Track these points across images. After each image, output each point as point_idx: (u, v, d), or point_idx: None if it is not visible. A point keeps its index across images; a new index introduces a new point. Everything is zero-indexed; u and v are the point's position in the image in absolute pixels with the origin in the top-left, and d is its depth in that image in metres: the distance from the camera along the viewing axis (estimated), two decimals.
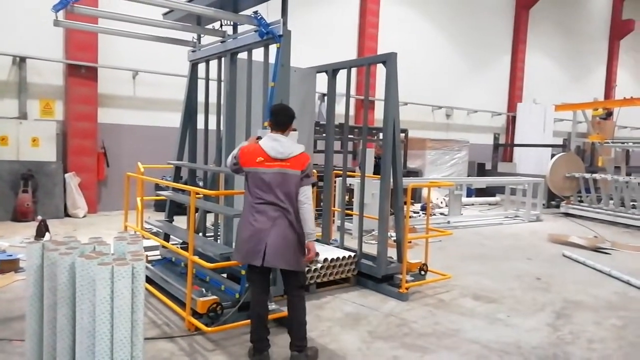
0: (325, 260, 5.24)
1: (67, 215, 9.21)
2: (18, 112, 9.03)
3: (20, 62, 9.00)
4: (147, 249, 5.74)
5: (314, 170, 5.03)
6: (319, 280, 5.19)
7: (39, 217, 7.32)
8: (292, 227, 3.50)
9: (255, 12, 4.48)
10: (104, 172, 9.93)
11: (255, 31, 4.55)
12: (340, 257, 5.32)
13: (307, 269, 5.09)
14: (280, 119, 3.63)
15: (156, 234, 5.74)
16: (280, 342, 3.92)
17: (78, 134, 9.51)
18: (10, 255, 5.64)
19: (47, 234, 6.54)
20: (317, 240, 6.21)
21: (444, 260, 6.80)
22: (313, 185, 3.65)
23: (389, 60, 5.28)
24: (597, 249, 8.03)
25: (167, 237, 5.63)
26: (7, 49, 8.85)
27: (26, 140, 8.90)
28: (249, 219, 3.50)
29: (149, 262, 5.45)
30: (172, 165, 5.93)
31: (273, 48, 4.47)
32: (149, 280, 4.94)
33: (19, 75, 9.02)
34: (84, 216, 9.30)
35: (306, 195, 3.56)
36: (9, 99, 9.00)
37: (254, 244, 3.44)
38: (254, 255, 3.44)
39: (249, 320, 4.07)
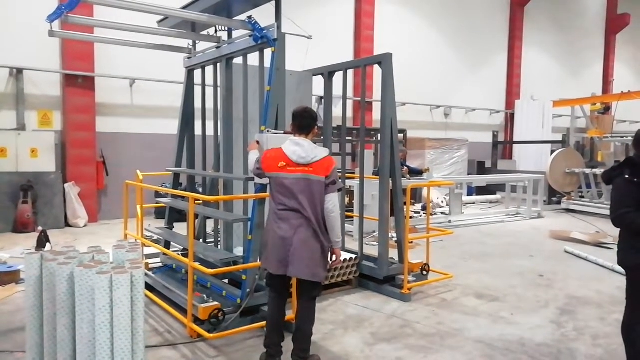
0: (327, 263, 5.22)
1: (67, 225, 9.21)
2: (16, 124, 9.04)
3: (17, 73, 9.01)
4: (148, 256, 5.75)
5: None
6: None
7: (40, 228, 7.32)
8: (316, 236, 3.34)
9: (250, 17, 4.49)
10: (103, 181, 9.93)
11: (249, 36, 4.55)
12: (342, 260, 5.30)
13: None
14: (303, 122, 3.47)
15: (157, 242, 5.73)
16: (284, 347, 3.91)
17: (77, 144, 9.52)
18: (11, 267, 5.63)
19: (47, 244, 6.53)
20: None
21: (445, 260, 6.79)
22: (339, 190, 3.44)
23: (385, 61, 5.28)
24: (599, 244, 8.01)
25: (167, 245, 5.62)
26: (4, 61, 8.87)
27: (25, 152, 8.90)
28: (273, 227, 3.40)
29: (150, 269, 5.44)
30: (170, 172, 5.93)
31: (268, 52, 4.47)
32: (150, 288, 4.93)
33: (16, 87, 9.04)
34: (85, 226, 9.30)
35: (333, 203, 3.36)
36: (7, 111, 9.02)
37: (278, 252, 3.34)
38: (279, 264, 3.36)
39: (252, 326, 4.08)
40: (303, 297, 3.52)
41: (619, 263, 3.36)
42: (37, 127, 9.31)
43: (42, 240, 6.51)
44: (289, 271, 3.33)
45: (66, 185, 9.27)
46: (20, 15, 8.99)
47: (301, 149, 3.37)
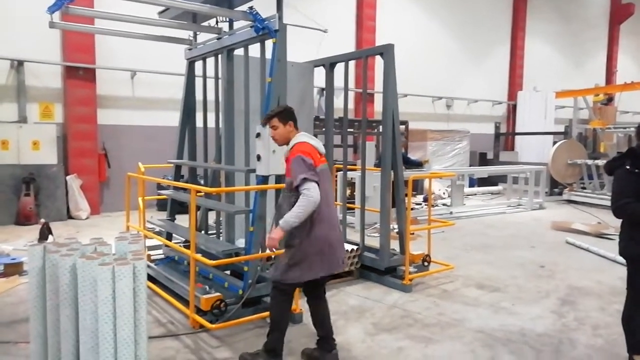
0: None
1: (70, 217, 9.24)
2: (18, 116, 9.04)
3: (18, 65, 9.00)
4: (150, 248, 5.78)
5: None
6: None
7: (42, 220, 7.35)
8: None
9: (251, 8, 4.46)
10: (105, 173, 9.95)
11: (251, 27, 4.52)
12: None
13: None
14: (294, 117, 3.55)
15: (159, 233, 5.75)
16: (286, 337, 3.94)
17: (78, 136, 9.53)
18: (14, 259, 5.66)
19: (50, 236, 6.56)
20: None
21: (447, 251, 6.80)
22: None
23: (387, 52, 5.25)
24: (600, 235, 8.01)
25: (169, 236, 5.64)
26: (5, 53, 8.86)
27: (27, 144, 8.91)
28: (331, 224, 3.33)
29: (152, 261, 5.47)
30: (172, 164, 5.93)
31: (269, 43, 4.45)
32: (152, 279, 4.96)
33: (17, 79, 9.03)
34: (87, 218, 9.33)
35: None
36: (8, 103, 9.01)
37: (337, 249, 3.39)
38: (337, 262, 3.42)
39: (254, 316, 4.10)
40: (322, 291, 3.58)
41: (620, 253, 3.37)
42: (39, 119, 9.31)
43: (45, 233, 6.54)
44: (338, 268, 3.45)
45: (68, 177, 9.30)
46: (20, 7, 8.95)
47: (317, 142, 3.44)
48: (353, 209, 8.03)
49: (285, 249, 3.34)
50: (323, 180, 3.29)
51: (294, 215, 3.12)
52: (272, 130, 3.46)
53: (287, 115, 3.43)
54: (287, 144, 3.43)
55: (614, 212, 3.22)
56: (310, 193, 3.11)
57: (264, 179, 4.26)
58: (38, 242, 2.96)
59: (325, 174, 3.37)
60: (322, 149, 3.44)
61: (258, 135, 4.19)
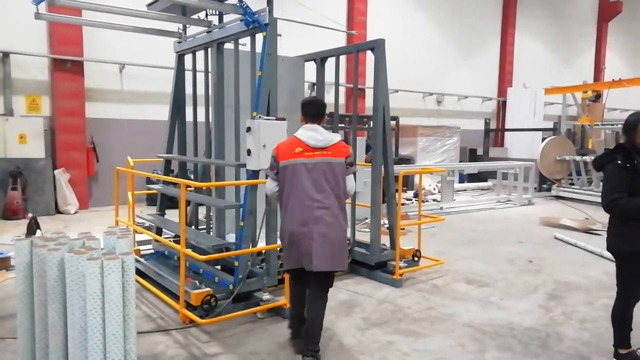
0: None
1: (58, 212, 9.14)
2: (4, 109, 8.90)
3: (3, 57, 8.85)
4: (139, 243, 5.74)
5: None
6: None
7: (30, 215, 7.24)
8: (338, 222, 3.37)
9: (241, 1, 4.42)
10: (94, 167, 9.85)
11: (241, 20, 4.49)
12: None
13: None
14: (313, 109, 3.53)
15: (148, 228, 5.71)
16: (276, 332, 3.94)
17: (66, 130, 9.41)
18: (1, 254, 5.59)
19: (38, 231, 6.48)
20: None
21: (436, 246, 6.84)
22: (354, 172, 3.57)
23: (377, 47, 5.25)
24: (588, 231, 8.11)
25: (159, 231, 5.60)
26: None
27: (13, 137, 8.78)
28: (297, 219, 3.34)
29: (141, 256, 5.43)
30: (162, 159, 5.88)
31: (260, 37, 4.42)
32: (142, 274, 4.92)
33: (2, 71, 8.88)
34: (75, 212, 9.23)
35: (352, 183, 3.50)
36: None
37: (302, 245, 3.32)
38: (303, 259, 3.35)
39: (244, 311, 4.10)
40: (320, 289, 3.51)
41: (608, 249, 3.40)
42: (25, 112, 9.17)
43: (32, 227, 6.46)
44: (314, 266, 3.29)
45: (56, 171, 9.18)
46: None
47: (317, 133, 3.42)
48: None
49: None
50: (292, 175, 3.34)
51: None
52: None
53: (301, 108, 3.60)
54: None
55: (605, 207, 3.21)
56: (266, 185, 3.53)
57: (254, 174, 4.24)
58: (25, 237, 2.92)
59: (296, 168, 3.33)
60: (314, 142, 3.38)
61: (248, 129, 4.16)
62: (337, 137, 3.49)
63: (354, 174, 3.56)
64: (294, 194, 3.34)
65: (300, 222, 3.32)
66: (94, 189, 10.01)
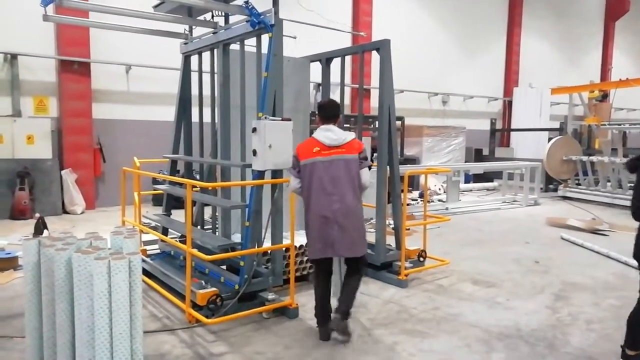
0: None
1: (65, 212, 9.20)
2: (12, 110, 8.97)
3: (11, 59, 8.92)
4: (146, 243, 5.76)
5: None
6: None
7: (37, 215, 7.30)
8: (355, 213, 3.73)
9: (246, 2, 4.43)
10: (100, 168, 9.90)
11: (246, 21, 4.50)
12: None
13: (305, 258, 5.11)
14: (328, 111, 3.90)
15: (154, 228, 5.74)
16: (281, 332, 3.95)
17: (73, 131, 9.47)
18: (9, 254, 5.63)
19: (45, 231, 6.53)
20: None
21: (442, 247, 6.82)
22: (369, 167, 3.89)
23: (383, 47, 5.25)
24: (595, 231, 8.06)
25: (165, 231, 5.63)
26: None
27: (21, 138, 8.85)
28: (318, 213, 3.70)
29: (148, 256, 5.46)
30: (168, 159, 5.91)
31: (265, 38, 4.43)
32: (148, 274, 4.95)
33: (11, 73, 8.96)
34: (82, 212, 9.29)
35: (366, 177, 3.82)
36: (2, 97, 8.94)
37: (326, 236, 3.67)
38: (327, 249, 3.73)
39: (250, 311, 4.12)
40: (352, 271, 3.95)
41: (634, 256, 3.31)
42: (33, 113, 9.24)
43: (40, 227, 6.51)
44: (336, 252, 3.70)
45: (63, 172, 9.25)
46: (14, 0, 8.86)
47: (332, 133, 3.80)
48: None
49: None
50: (312, 172, 3.72)
51: None
52: None
53: (317, 111, 3.99)
54: None
55: (634, 213, 3.06)
56: (289, 183, 3.90)
57: (259, 174, 4.25)
58: (33, 237, 2.95)
59: (315, 166, 3.71)
60: (329, 141, 3.73)
61: (254, 129, 4.17)
62: (351, 135, 3.84)
63: (369, 167, 3.87)
64: (314, 189, 3.72)
65: (321, 214, 3.69)
66: (101, 189, 10.07)
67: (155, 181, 8.11)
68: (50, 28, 9.19)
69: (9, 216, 8.59)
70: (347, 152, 3.74)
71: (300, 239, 4.85)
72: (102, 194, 10.05)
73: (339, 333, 3.74)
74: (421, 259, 5.58)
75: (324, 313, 3.85)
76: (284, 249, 4.48)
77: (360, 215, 3.82)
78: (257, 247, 4.34)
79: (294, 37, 10.17)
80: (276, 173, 4.32)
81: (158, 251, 5.68)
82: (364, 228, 3.89)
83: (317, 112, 3.97)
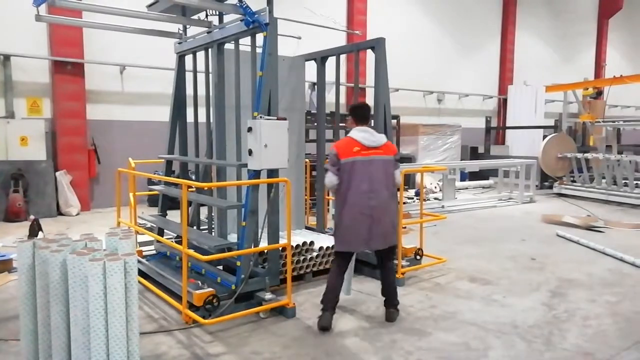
0: (321, 248, 5.25)
1: (60, 213, 9.15)
2: (5, 111, 8.92)
3: (4, 60, 8.87)
4: (141, 244, 5.74)
5: (307, 160, 5.74)
6: (314, 269, 5.21)
7: (32, 217, 7.26)
8: (389, 209, 4.04)
9: (241, 1, 4.42)
10: (95, 169, 9.85)
11: (241, 20, 4.49)
12: None
13: (302, 257, 5.10)
14: (363, 113, 4.12)
15: (150, 229, 5.72)
16: (279, 332, 3.94)
17: (67, 132, 9.41)
18: (4, 256, 5.59)
19: (40, 233, 6.49)
20: (312, 229, 6.24)
21: (439, 245, 6.83)
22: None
23: (378, 46, 5.24)
24: (590, 228, 8.09)
25: (161, 232, 5.61)
26: None
27: (15, 140, 8.80)
28: (355, 209, 3.93)
29: (144, 257, 5.43)
30: (163, 160, 5.88)
31: (260, 37, 4.41)
32: (144, 275, 4.93)
33: (3, 74, 8.90)
34: (77, 214, 9.25)
35: (399, 176, 4.19)
36: None
37: (360, 231, 3.93)
38: (361, 243, 4.02)
39: (247, 311, 4.10)
40: (386, 264, 4.26)
41: None
42: (27, 114, 9.18)
43: (35, 229, 6.47)
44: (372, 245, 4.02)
45: (57, 173, 9.19)
46: (6, 0, 8.79)
47: (370, 134, 4.02)
48: None
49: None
50: (352, 170, 3.91)
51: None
52: None
53: (350, 112, 4.20)
54: None
55: None
56: (326, 179, 4.03)
57: (255, 174, 4.24)
58: (27, 239, 2.93)
59: (355, 165, 3.91)
60: (368, 142, 3.95)
61: (250, 129, 4.16)
62: (384, 138, 4.10)
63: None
64: (352, 186, 3.92)
65: (358, 210, 3.91)
66: (96, 191, 10.02)
67: (150, 182, 8.09)
68: (43, 29, 9.13)
69: (3, 218, 8.54)
70: (384, 153, 4.02)
71: (315, 239, 5.16)
72: (97, 195, 10.00)
73: (391, 320, 4.15)
74: (418, 257, 5.58)
75: (333, 299, 4.04)
76: (280, 248, 4.47)
77: (395, 210, 4.16)
78: (254, 247, 4.32)
79: (299, 38, 10.18)
80: (272, 173, 4.31)
81: (154, 252, 5.66)
82: (397, 222, 4.25)
83: (349, 114, 4.20)
